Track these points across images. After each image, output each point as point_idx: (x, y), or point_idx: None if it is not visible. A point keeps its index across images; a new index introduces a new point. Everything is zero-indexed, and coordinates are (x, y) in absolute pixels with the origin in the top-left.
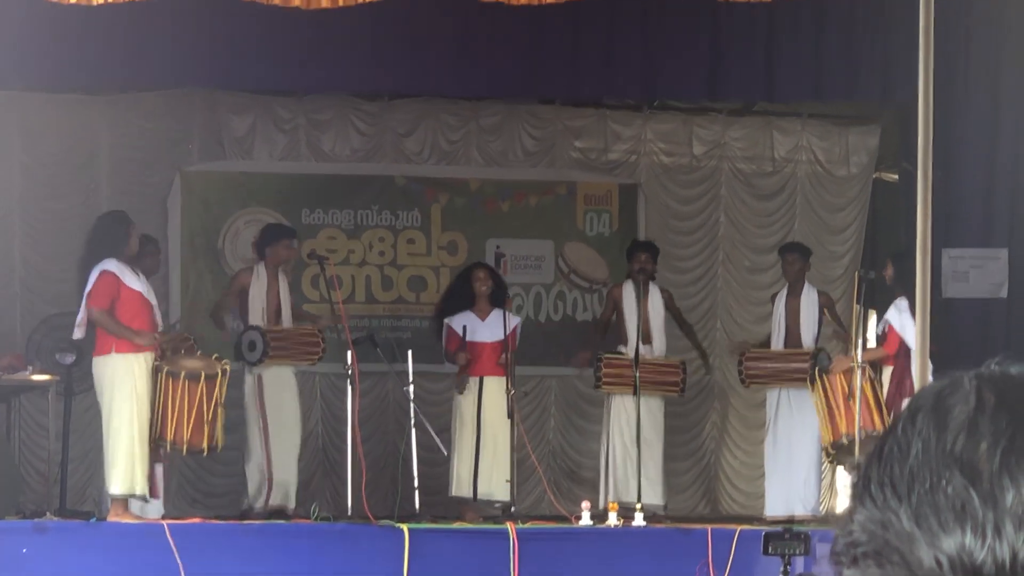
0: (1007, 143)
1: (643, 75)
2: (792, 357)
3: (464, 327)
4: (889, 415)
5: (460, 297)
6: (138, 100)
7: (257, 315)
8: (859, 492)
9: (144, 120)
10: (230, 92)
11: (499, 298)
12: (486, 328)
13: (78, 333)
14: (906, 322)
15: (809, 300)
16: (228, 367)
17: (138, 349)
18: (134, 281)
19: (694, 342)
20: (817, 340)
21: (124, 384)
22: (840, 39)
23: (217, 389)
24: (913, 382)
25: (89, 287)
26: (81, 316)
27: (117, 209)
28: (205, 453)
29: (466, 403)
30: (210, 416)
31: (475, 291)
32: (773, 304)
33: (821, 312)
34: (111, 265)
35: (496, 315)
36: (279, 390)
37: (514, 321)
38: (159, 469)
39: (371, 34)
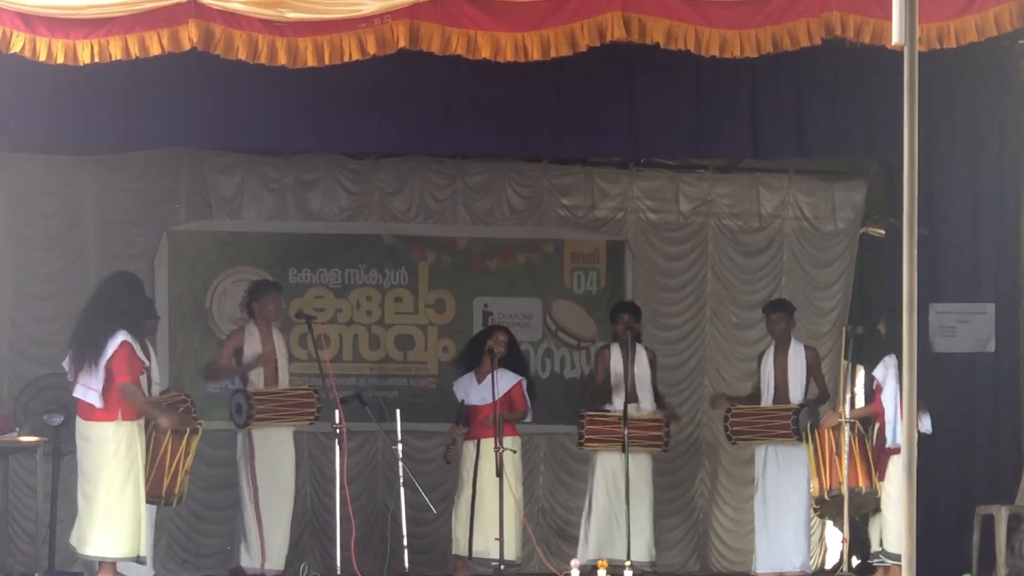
0: (991, 199)
1: (628, 133)
2: (777, 413)
3: (463, 398)
4: (875, 471)
5: (471, 358)
6: (125, 160)
7: (256, 376)
8: None
9: (131, 180)
10: (217, 151)
11: (510, 363)
12: (482, 390)
13: (99, 402)
14: (889, 380)
15: (797, 356)
16: (200, 427)
17: (139, 415)
18: (141, 353)
19: (660, 405)
20: (805, 396)
21: (131, 450)
22: (824, 96)
23: (184, 444)
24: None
25: (110, 356)
26: (99, 384)
27: (130, 272)
28: (174, 505)
29: (465, 465)
30: (183, 471)
31: (491, 351)
32: (760, 362)
33: (809, 368)
34: (127, 336)
35: (490, 377)
36: (272, 451)
37: (512, 379)
38: None
39: (358, 93)
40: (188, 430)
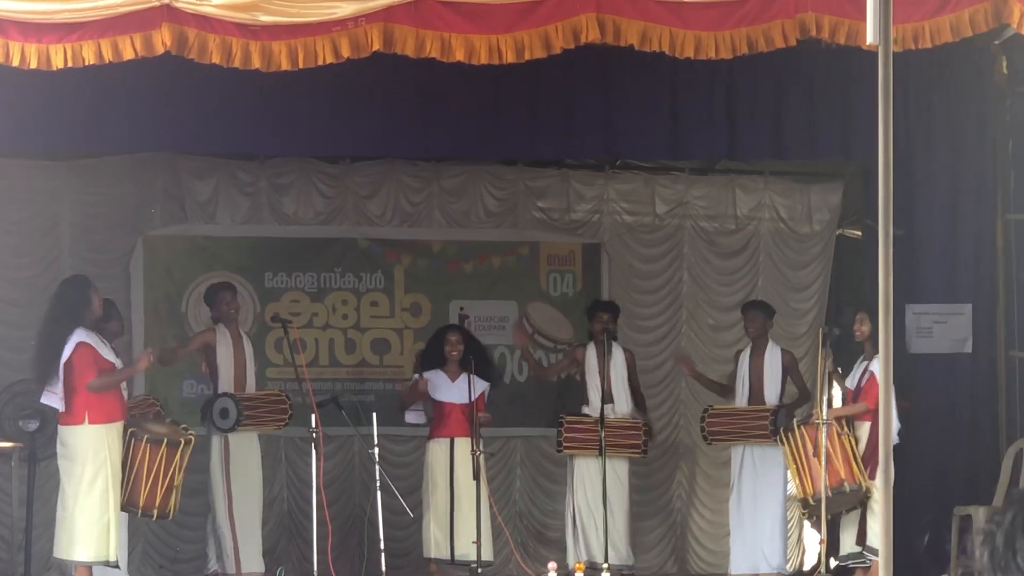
0: (969, 199)
1: (604, 135)
2: (754, 414)
3: (427, 382)
4: (867, 469)
5: (433, 357)
6: (100, 165)
7: (227, 380)
8: (1001, 562)
9: (106, 185)
10: (192, 156)
11: (468, 363)
12: (455, 390)
13: (61, 405)
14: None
15: (772, 358)
16: (193, 438)
17: (110, 419)
18: (107, 352)
19: (642, 412)
20: (781, 398)
21: (99, 454)
22: (800, 98)
23: (178, 457)
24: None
25: (66, 359)
26: (60, 388)
27: (79, 274)
28: (154, 518)
29: (437, 465)
30: (165, 483)
31: (445, 355)
32: (736, 361)
33: (784, 371)
34: (83, 336)
35: (464, 379)
36: (244, 456)
37: (481, 386)
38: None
39: (332, 97)
40: (167, 440)
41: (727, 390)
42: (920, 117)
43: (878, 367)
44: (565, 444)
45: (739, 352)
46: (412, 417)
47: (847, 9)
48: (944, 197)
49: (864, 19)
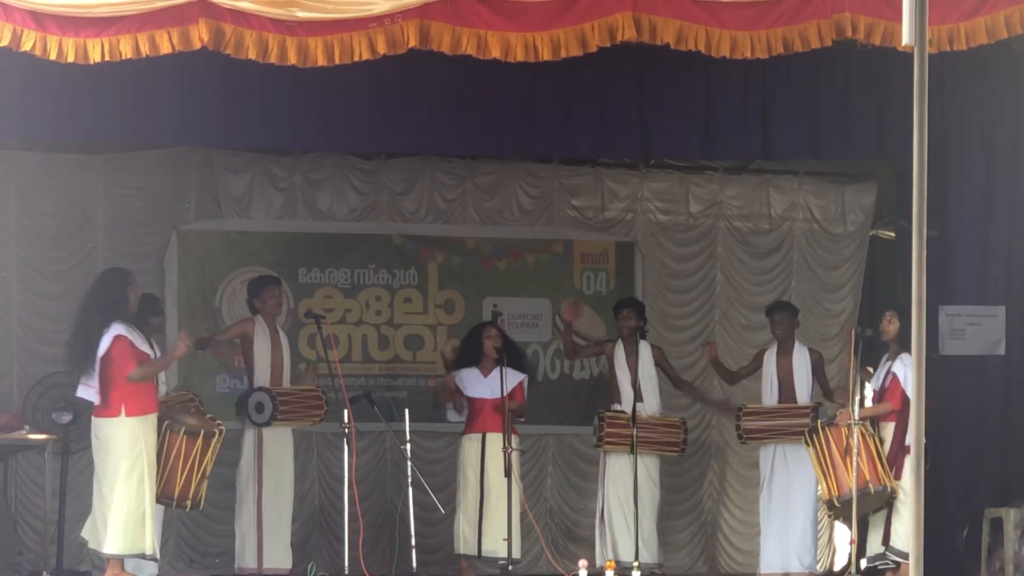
0: (1003, 201)
1: (638, 134)
2: (791, 413)
3: (463, 379)
4: (891, 470)
5: (469, 356)
6: (135, 159)
7: (263, 374)
8: None
9: (141, 179)
10: (227, 151)
11: (510, 359)
12: (487, 385)
13: (97, 399)
14: (911, 377)
15: (801, 358)
16: (223, 429)
17: (145, 411)
18: (143, 345)
19: (695, 396)
20: (812, 397)
21: (135, 446)
22: (834, 97)
23: (210, 450)
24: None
25: (104, 352)
26: (96, 381)
27: (119, 268)
28: (188, 509)
29: (469, 460)
30: (199, 474)
31: (484, 350)
32: (762, 361)
33: (813, 370)
34: (121, 329)
35: (497, 373)
36: (278, 451)
37: (517, 377)
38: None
39: (368, 92)
40: (203, 432)
41: (735, 377)
42: (954, 118)
43: (900, 368)
44: (606, 440)
45: (761, 352)
46: (454, 416)
47: (883, 10)
48: (978, 198)
49: (900, 20)
